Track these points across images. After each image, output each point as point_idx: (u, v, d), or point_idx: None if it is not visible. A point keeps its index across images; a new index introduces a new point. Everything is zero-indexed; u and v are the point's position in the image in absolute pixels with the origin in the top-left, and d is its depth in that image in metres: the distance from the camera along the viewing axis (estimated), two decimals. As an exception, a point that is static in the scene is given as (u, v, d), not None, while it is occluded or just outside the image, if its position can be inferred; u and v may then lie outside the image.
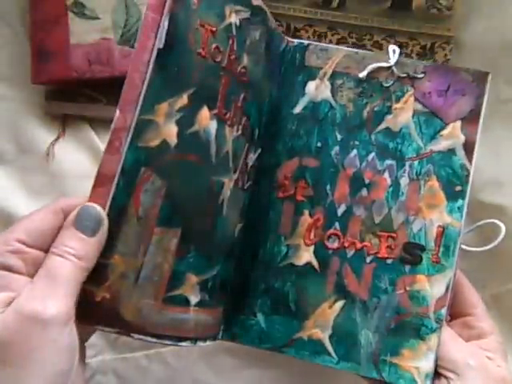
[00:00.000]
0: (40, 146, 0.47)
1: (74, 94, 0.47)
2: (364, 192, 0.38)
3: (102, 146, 0.47)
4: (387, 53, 0.39)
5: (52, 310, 0.27)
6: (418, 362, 0.36)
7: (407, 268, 0.37)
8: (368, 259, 0.37)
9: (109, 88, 0.46)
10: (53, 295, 0.27)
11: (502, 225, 0.38)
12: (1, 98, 0.47)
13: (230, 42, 0.35)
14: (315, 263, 0.37)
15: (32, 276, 0.29)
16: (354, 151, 0.38)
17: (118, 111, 0.30)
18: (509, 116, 0.48)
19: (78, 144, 0.48)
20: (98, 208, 0.30)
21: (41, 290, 0.28)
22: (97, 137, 0.48)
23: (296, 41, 0.40)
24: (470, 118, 0.38)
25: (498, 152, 0.48)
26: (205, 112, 0.33)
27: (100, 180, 0.30)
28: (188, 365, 0.47)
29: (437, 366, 0.36)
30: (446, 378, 0.35)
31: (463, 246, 0.38)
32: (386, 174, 0.38)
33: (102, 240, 0.30)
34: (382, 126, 0.38)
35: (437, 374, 0.36)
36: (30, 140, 0.47)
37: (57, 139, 0.47)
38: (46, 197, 0.47)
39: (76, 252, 0.29)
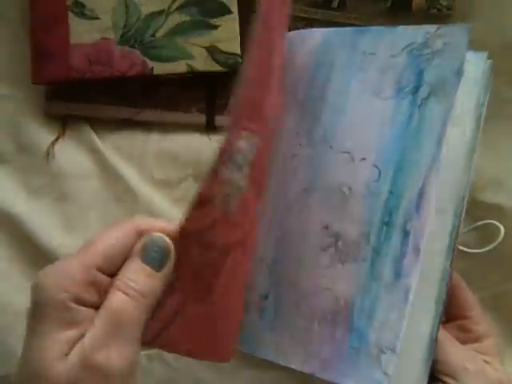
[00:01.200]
0: (40, 146, 0.47)
1: (74, 94, 0.47)
2: None
3: (102, 146, 0.47)
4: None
5: (116, 363, 0.25)
6: None
7: None
8: None
9: (109, 88, 0.46)
10: (117, 343, 0.26)
11: (501, 226, 0.38)
12: (1, 97, 0.47)
13: None
14: None
15: None
16: None
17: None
18: (509, 116, 0.48)
19: (77, 144, 0.48)
20: (166, 239, 0.28)
21: (104, 335, 0.26)
22: (97, 137, 0.47)
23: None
24: None
25: (497, 152, 0.48)
26: None
27: (199, 202, 0.29)
28: (188, 365, 0.46)
29: (434, 370, 0.35)
30: (443, 382, 0.35)
31: (461, 248, 0.38)
32: None
33: (168, 274, 0.28)
34: None
35: (434, 378, 0.35)
36: (30, 140, 0.47)
37: (57, 139, 0.47)
38: (46, 197, 0.47)
39: (141, 288, 0.27)
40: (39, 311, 0.26)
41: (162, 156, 0.48)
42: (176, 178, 0.48)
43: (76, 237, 0.46)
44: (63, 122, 0.48)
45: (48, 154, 0.47)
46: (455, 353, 0.36)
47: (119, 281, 0.27)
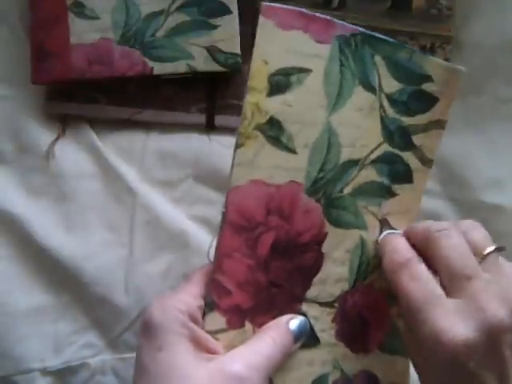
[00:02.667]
0: (40, 146, 0.47)
1: (73, 94, 0.47)
2: None
3: (102, 146, 0.47)
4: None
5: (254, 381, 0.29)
6: None
7: None
8: None
9: (109, 88, 0.46)
10: (260, 370, 0.30)
11: None
12: (1, 97, 0.47)
13: None
14: None
15: None
16: None
17: None
18: (508, 116, 0.48)
19: (77, 144, 0.47)
20: (307, 322, 0.34)
21: (252, 359, 0.30)
22: (97, 137, 0.47)
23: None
24: None
25: (497, 152, 0.48)
26: None
27: None
28: None
29: None
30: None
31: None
32: None
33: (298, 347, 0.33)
34: None
35: None
36: (30, 140, 0.47)
37: (57, 139, 0.47)
38: (46, 197, 0.47)
39: (287, 347, 0.32)
40: (164, 331, 0.30)
41: (161, 156, 0.48)
42: (176, 178, 0.48)
43: (76, 237, 0.46)
44: (63, 122, 0.48)
45: (48, 154, 0.47)
46: None
47: (272, 332, 0.32)
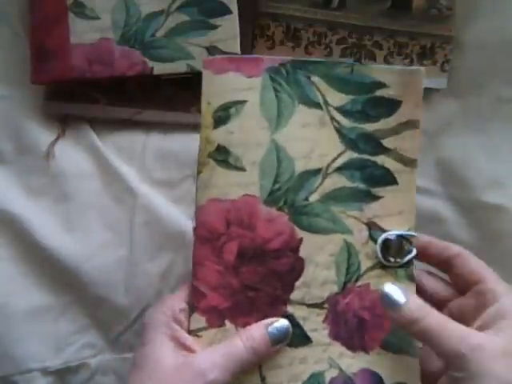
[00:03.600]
0: (40, 146, 0.47)
1: (73, 94, 0.47)
2: None
3: (102, 146, 0.47)
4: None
5: (214, 376, 0.33)
6: None
7: None
8: None
9: (109, 88, 0.46)
10: (222, 367, 0.33)
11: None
12: (1, 98, 0.47)
13: None
14: None
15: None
16: None
17: None
18: (509, 116, 0.48)
19: (77, 144, 0.48)
20: (289, 325, 0.35)
21: (216, 358, 0.34)
22: (97, 137, 0.47)
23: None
24: None
25: (498, 152, 0.48)
26: None
27: None
28: None
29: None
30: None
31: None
32: None
33: (279, 349, 0.35)
34: None
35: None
36: (29, 140, 0.47)
37: (57, 139, 0.47)
38: (46, 197, 0.47)
39: (257, 350, 0.34)
40: (150, 329, 0.35)
41: (161, 156, 0.48)
42: (176, 178, 0.48)
43: (76, 237, 0.46)
44: (63, 122, 0.48)
45: (48, 154, 0.47)
46: (447, 337, 0.32)
47: (244, 336, 0.35)
